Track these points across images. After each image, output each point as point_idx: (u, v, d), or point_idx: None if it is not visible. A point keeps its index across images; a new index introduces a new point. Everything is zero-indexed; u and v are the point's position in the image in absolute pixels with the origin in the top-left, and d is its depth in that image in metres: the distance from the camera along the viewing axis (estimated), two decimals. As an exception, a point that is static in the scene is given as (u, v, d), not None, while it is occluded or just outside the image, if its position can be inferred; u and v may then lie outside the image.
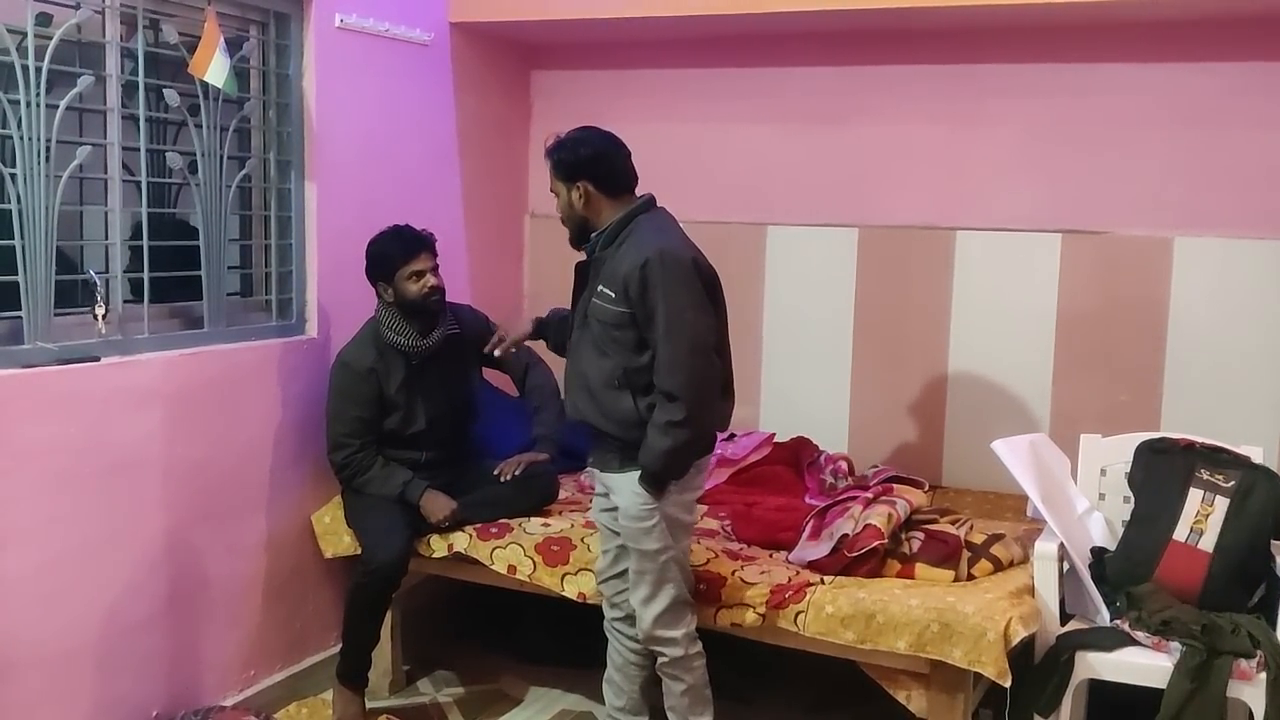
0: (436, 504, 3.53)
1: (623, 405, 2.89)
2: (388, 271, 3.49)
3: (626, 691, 3.19)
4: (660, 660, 3.05)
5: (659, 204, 3.01)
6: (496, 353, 3.51)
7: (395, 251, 3.49)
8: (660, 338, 2.81)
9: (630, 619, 3.11)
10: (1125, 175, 3.90)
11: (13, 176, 2.88)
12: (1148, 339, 3.88)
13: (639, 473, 2.90)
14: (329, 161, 3.74)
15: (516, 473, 3.69)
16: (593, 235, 2.97)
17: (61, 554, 2.96)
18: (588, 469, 3.15)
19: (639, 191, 3.00)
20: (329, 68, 3.71)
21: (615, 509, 3.03)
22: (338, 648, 3.60)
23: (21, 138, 2.87)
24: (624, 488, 2.95)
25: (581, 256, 3.06)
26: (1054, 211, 3.99)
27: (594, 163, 2.93)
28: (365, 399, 3.53)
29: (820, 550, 3.27)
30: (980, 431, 3.96)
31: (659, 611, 2.98)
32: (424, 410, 3.59)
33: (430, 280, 3.50)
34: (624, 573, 3.10)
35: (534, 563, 3.43)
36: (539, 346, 3.51)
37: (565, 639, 3.91)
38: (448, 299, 3.64)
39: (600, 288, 2.91)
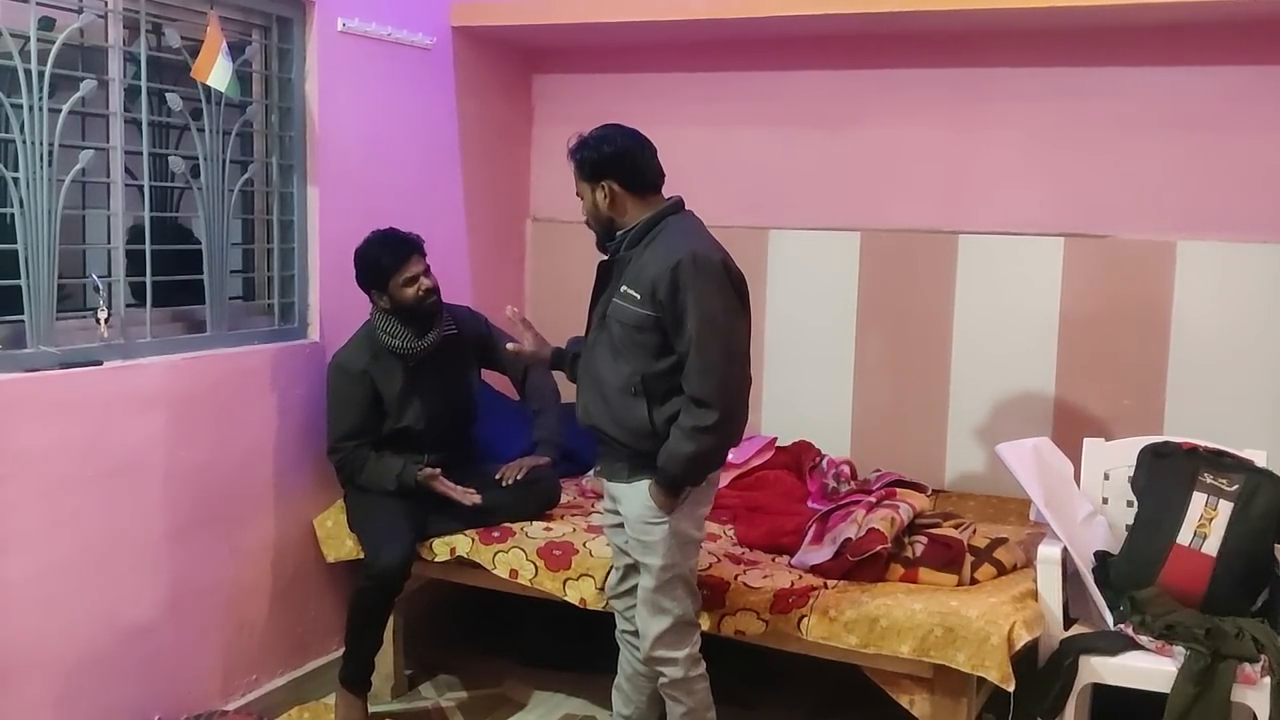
0: (436, 487, 3.51)
1: (637, 413, 2.82)
2: (381, 280, 3.47)
3: (634, 701, 3.17)
4: (661, 680, 2.99)
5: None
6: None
7: (386, 259, 3.46)
8: (692, 342, 2.72)
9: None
10: (1127, 179, 3.90)
11: (15, 180, 2.88)
12: (1151, 343, 3.87)
13: (648, 483, 2.83)
14: (331, 165, 3.74)
15: (518, 477, 3.68)
16: (618, 234, 2.88)
17: (63, 558, 2.96)
18: (595, 475, 3.09)
19: (666, 192, 2.92)
20: (331, 72, 3.71)
21: (623, 524, 2.99)
22: (340, 652, 3.60)
23: (24, 142, 2.87)
24: (633, 498, 2.88)
25: (598, 255, 2.98)
26: (1056, 215, 3.99)
27: (618, 160, 2.84)
28: (360, 401, 3.53)
29: (823, 554, 3.27)
30: (983, 435, 3.98)
31: (660, 631, 2.91)
32: (423, 412, 3.58)
33: (425, 283, 3.49)
34: (633, 589, 3.02)
35: (536, 567, 3.43)
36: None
37: (568, 643, 3.90)
38: (447, 301, 3.64)
39: (624, 288, 2.82)
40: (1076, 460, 3.50)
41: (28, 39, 2.87)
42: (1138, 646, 2.97)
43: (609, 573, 3.21)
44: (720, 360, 2.75)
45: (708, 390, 2.73)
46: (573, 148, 2.89)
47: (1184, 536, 3.09)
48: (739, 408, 2.82)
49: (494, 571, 3.49)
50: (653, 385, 2.81)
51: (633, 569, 3.02)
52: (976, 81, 4.07)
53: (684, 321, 2.73)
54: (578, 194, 2.93)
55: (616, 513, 3.00)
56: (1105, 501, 3.48)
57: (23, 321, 2.92)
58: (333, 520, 3.72)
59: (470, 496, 3.52)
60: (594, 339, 2.93)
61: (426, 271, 3.51)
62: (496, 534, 3.55)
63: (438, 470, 3.53)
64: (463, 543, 3.55)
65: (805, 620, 3.08)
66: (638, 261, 2.82)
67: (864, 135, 4.25)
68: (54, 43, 2.91)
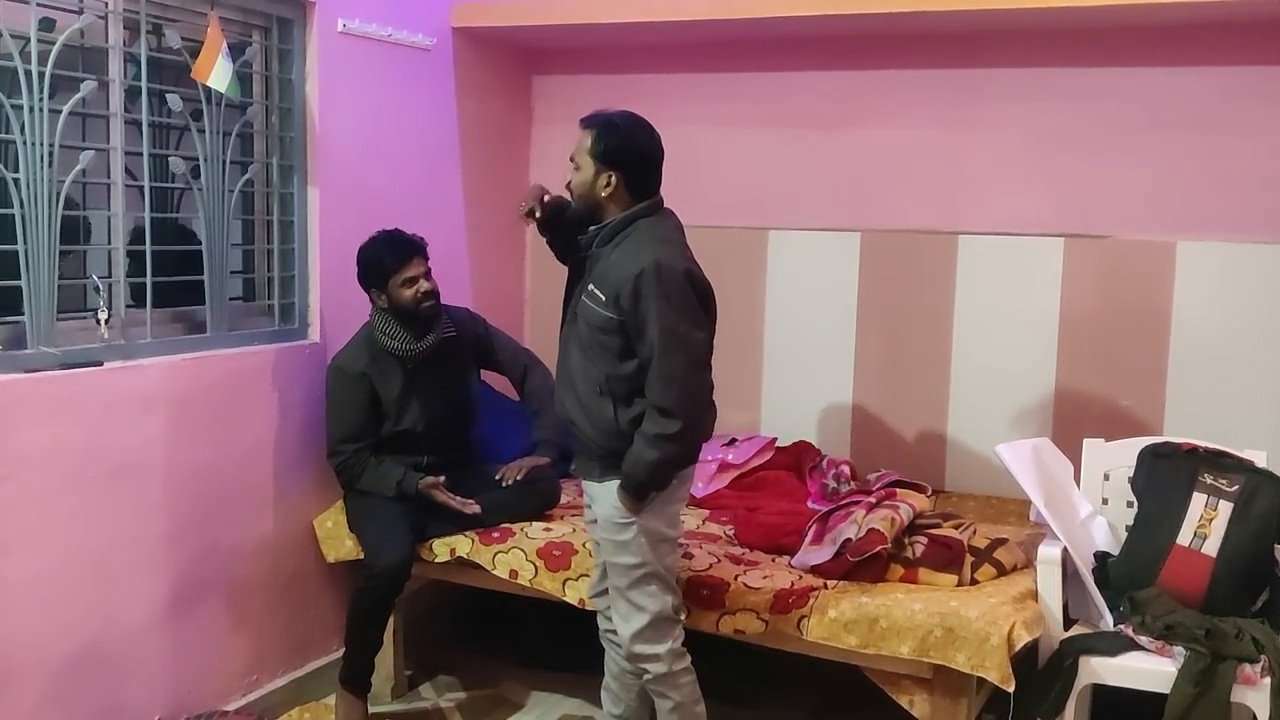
0: (431, 494, 3.52)
1: (605, 413, 2.82)
2: (380, 279, 3.49)
3: (624, 700, 3.17)
4: (645, 677, 2.98)
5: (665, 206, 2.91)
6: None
7: (387, 259, 3.48)
8: (655, 351, 2.71)
9: None
10: (1127, 179, 3.90)
11: (16, 181, 2.88)
12: (1150, 343, 3.87)
13: (617, 484, 2.83)
14: (331, 166, 3.74)
15: (518, 477, 3.69)
16: (590, 229, 2.86)
17: (64, 559, 2.96)
18: (572, 473, 3.08)
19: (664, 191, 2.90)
20: (331, 72, 3.71)
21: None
22: (340, 653, 3.59)
23: (25, 143, 2.88)
24: (603, 498, 2.88)
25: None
26: (1056, 215, 3.99)
27: (638, 159, 2.81)
28: (359, 403, 3.53)
29: (823, 555, 3.27)
30: (983, 436, 3.97)
31: (638, 629, 2.91)
32: (421, 414, 3.59)
33: (424, 285, 3.49)
34: None
35: (535, 568, 3.43)
36: (540, 345, 3.51)
37: (567, 643, 3.90)
38: (447, 302, 3.64)
39: (591, 287, 2.82)
40: (1076, 461, 3.50)
41: (28, 40, 2.87)
42: (1138, 647, 2.96)
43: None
44: (682, 370, 2.73)
45: (670, 399, 2.73)
46: (600, 122, 2.82)
47: (1184, 537, 3.09)
48: (702, 415, 2.82)
49: (494, 572, 3.49)
50: (617, 387, 2.81)
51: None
52: (976, 82, 4.08)
53: (645, 329, 2.72)
54: (572, 159, 2.85)
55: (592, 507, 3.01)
56: (1105, 502, 3.47)
57: (23, 322, 2.92)
58: (333, 520, 3.72)
59: (469, 507, 3.53)
60: (567, 333, 2.93)
61: (427, 274, 3.51)
62: (496, 534, 3.55)
63: (440, 479, 3.53)
64: (463, 543, 3.55)
65: (805, 620, 3.08)
66: (605, 261, 2.81)
67: (864, 136, 4.25)
68: (54, 44, 2.91)
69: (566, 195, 2.92)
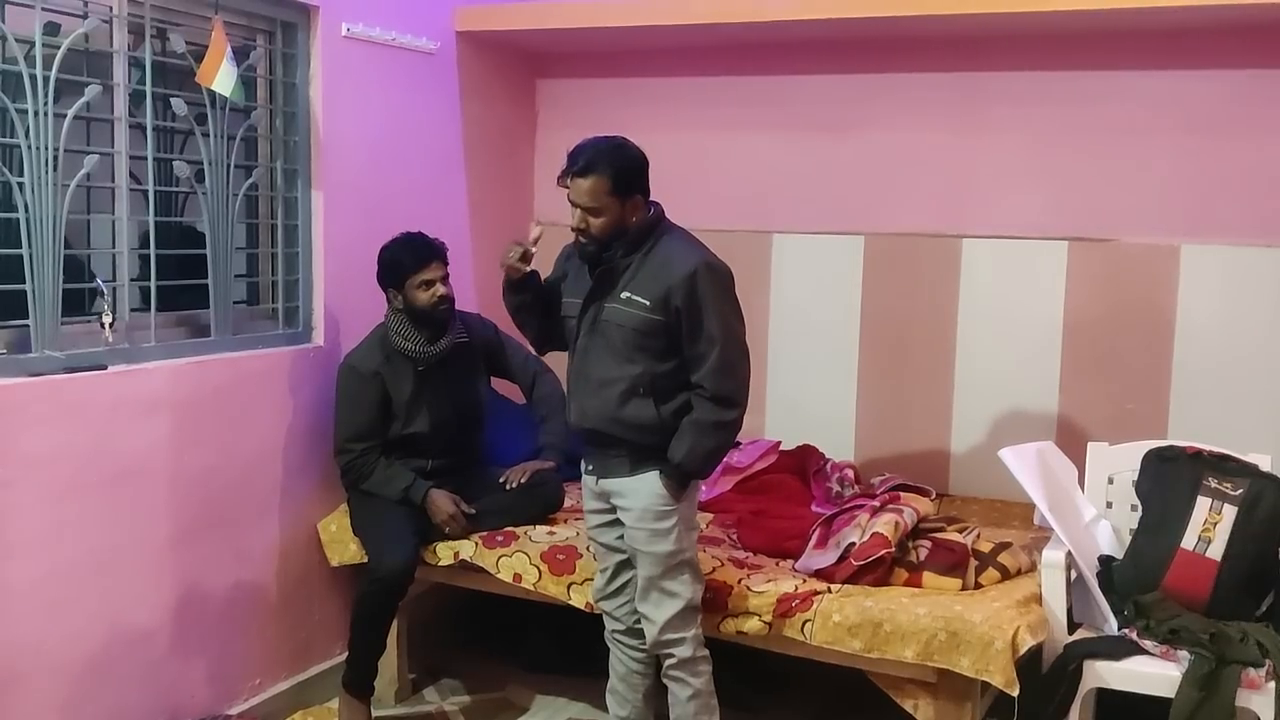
0: (439, 503, 3.53)
1: (645, 412, 2.90)
2: (398, 279, 3.50)
3: (630, 701, 3.19)
4: (667, 663, 3.03)
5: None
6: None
7: (406, 259, 3.50)
8: (715, 343, 2.85)
9: (631, 631, 3.10)
10: (1132, 182, 3.90)
11: (21, 185, 2.89)
12: (1154, 346, 3.87)
13: (656, 473, 2.91)
14: (335, 170, 3.74)
15: (522, 480, 3.69)
16: (615, 244, 2.93)
17: (68, 562, 2.97)
18: (584, 479, 3.11)
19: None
20: (335, 77, 3.72)
21: (612, 522, 3.03)
22: (344, 656, 3.59)
23: (29, 146, 2.88)
24: (639, 490, 2.94)
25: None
26: (1060, 219, 3.99)
27: (645, 173, 2.93)
28: (370, 402, 3.54)
29: (827, 559, 3.27)
30: (987, 440, 3.97)
31: (670, 616, 2.97)
32: (430, 417, 3.59)
33: (440, 289, 3.50)
34: (623, 587, 3.09)
35: (539, 571, 3.43)
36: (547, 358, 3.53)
37: (571, 647, 3.90)
38: (455, 307, 3.65)
39: (627, 294, 2.90)
40: (1080, 464, 3.50)
41: (33, 44, 2.88)
42: (1142, 651, 2.96)
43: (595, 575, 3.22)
44: (738, 360, 2.91)
45: (731, 388, 2.89)
46: (604, 164, 2.85)
47: (1188, 541, 3.08)
48: (747, 404, 2.97)
49: (497, 576, 3.50)
50: (661, 384, 2.91)
51: (624, 565, 3.06)
52: (980, 85, 4.07)
53: (702, 324, 2.86)
54: (579, 207, 2.89)
55: (609, 510, 3.04)
56: (1109, 506, 3.47)
57: (28, 326, 2.93)
58: (337, 524, 3.72)
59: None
60: (586, 344, 2.99)
61: (444, 279, 3.52)
62: (500, 538, 3.55)
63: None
64: (466, 547, 3.55)
65: (809, 624, 3.08)
66: (640, 269, 2.90)
67: (868, 139, 4.25)
68: (59, 48, 2.92)
69: (581, 240, 2.96)
